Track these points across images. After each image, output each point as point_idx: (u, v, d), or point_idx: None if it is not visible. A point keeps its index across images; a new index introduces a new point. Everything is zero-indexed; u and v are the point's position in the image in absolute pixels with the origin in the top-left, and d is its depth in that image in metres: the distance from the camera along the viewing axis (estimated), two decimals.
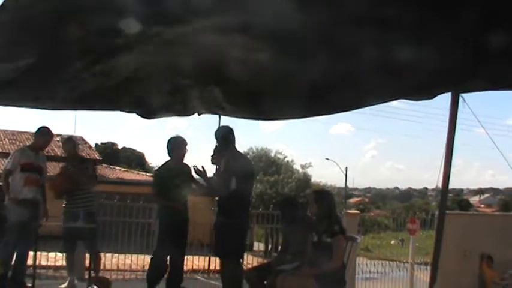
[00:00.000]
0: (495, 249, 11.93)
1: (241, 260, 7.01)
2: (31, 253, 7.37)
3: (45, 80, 4.53)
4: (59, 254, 9.91)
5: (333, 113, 6.24)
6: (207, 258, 12.69)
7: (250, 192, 7.09)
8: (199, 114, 6.45)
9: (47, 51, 3.95)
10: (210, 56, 4.48)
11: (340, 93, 5.07)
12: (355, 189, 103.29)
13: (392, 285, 12.40)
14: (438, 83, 4.76)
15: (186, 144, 7.18)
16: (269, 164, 37.65)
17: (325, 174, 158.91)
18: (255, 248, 21.61)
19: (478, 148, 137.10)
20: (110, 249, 11.70)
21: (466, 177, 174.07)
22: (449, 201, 8.34)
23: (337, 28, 3.72)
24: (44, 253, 10.40)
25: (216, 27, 3.85)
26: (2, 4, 3.25)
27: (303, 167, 40.47)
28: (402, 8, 3.40)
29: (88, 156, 25.50)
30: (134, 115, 6.34)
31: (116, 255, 12.02)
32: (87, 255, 8.15)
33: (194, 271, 12.08)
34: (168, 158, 7.15)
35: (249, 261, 11.64)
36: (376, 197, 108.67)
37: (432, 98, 4.97)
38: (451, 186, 5.47)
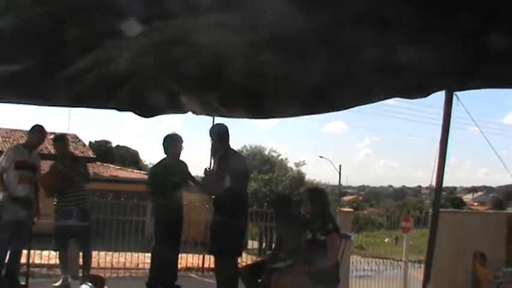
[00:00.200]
0: (488, 247, 11.98)
1: (238, 259, 6.99)
2: (25, 251, 7.35)
3: (43, 79, 4.53)
4: (53, 252, 9.87)
5: (331, 112, 6.25)
6: (201, 256, 12.70)
7: (246, 191, 7.09)
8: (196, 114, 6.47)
9: (45, 52, 3.95)
10: (210, 56, 4.48)
11: (340, 92, 5.08)
12: (349, 187, 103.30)
13: (386, 283, 12.42)
14: (438, 83, 4.79)
15: (182, 141, 7.16)
16: (263, 162, 37.66)
17: (319, 172, 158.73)
18: (249, 246, 21.61)
19: (472, 146, 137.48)
20: (104, 247, 11.70)
21: (460, 175, 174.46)
22: (442, 200, 8.35)
23: (338, 28, 3.73)
24: (38, 251, 10.39)
25: (217, 28, 3.85)
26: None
27: (297, 165, 40.55)
28: (402, 8, 3.40)
29: (82, 155, 25.41)
30: (128, 113, 6.35)
31: (110, 253, 12.02)
32: (81, 254, 8.11)
33: (188, 269, 12.09)
34: (164, 156, 7.13)
35: (243, 259, 11.64)
36: (370, 195, 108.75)
37: (426, 96, 4.98)
38: (444, 184, 5.49)
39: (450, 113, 5.17)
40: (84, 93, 5.04)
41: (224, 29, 3.86)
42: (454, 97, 5.11)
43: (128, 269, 11.81)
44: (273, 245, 8.24)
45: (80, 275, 7.76)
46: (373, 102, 5.68)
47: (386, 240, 28.67)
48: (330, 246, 5.80)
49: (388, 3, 3.41)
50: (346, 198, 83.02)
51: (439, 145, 5.23)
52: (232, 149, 6.83)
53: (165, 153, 7.07)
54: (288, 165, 39.73)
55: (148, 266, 7.72)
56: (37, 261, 10.56)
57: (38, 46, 3.85)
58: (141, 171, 33.41)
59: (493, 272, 12.19)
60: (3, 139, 26.93)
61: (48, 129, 7.94)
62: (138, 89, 5.34)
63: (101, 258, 11.58)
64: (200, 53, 4.45)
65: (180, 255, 7.60)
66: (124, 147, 66.63)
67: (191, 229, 9.81)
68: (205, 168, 6.74)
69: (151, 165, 11.94)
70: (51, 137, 8.90)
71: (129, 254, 12.13)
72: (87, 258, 7.99)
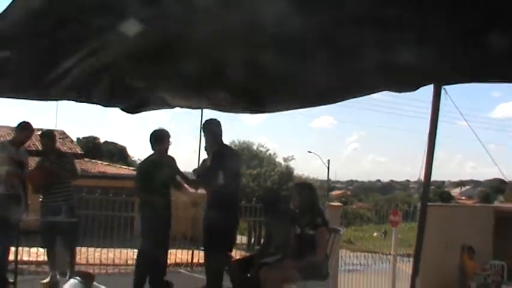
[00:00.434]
0: (476, 240, 12.10)
1: (229, 254, 6.98)
2: (13, 248, 7.30)
3: (36, 72, 4.51)
4: (41, 249, 9.83)
5: (324, 104, 6.26)
6: (190, 252, 12.69)
7: (239, 186, 7.09)
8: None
9: (37, 47, 3.94)
10: (210, 56, 4.47)
11: (337, 90, 5.09)
12: (338, 182, 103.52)
13: (374, 277, 12.47)
14: (434, 81, 4.80)
15: (169, 137, 7.12)
16: (251, 157, 37.77)
17: (307, 167, 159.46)
18: (238, 241, 21.56)
19: (460, 140, 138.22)
20: (92, 244, 11.66)
21: (448, 169, 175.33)
22: (431, 194, 8.39)
23: (337, 28, 3.72)
24: (26, 248, 10.34)
25: (217, 28, 3.84)
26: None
27: (285, 160, 40.74)
28: (402, 8, 3.40)
29: (70, 151, 25.30)
30: (116, 109, 6.31)
31: (99, 249, 11.99)
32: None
33: (177, 264, 12.05)
34: (152, 152, 7.10)
35: (232, 254, 11.65)
36: (359, 190, 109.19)
37: (415, 90, 4.99)
38: (432, 178, 5.50)
39: (438, 106, 5.17)
40: (73, 86, 5.00)
41: (224, 29, 3.85)
42: (443, 91, 5.11)
43: (117, 265, 11.77)
44: (262, 240, 8.23)
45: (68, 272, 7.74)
46: (363, 96, 5.68)
47: (375, 234, 28.76)
48: (319, 240, 5.82)
49: (388, 3, 3.41)
50: (335, 192, 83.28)
51: (427, 139, 5.25)
52: (226, 145, 6.84)
53: (153, 149, 7.02)
54: (277, 160, 39.98)
55: None
56: (25, 258, 10.50)
57: (34, 42, 3.84)
58: (129, 167, 33.25)
59: (480, 264, 12.33)
60: None
61: (35, 125, 7.90)
62: (119, 78, 5.27)
63: (90, 255, 11.55)
64: (200, 53, 4.44)
65: (169, 250, 7.57)
66: (112, 143, 66.28)
67: (180, 224, 9.81)
68: (202, 162, 6.75)
69: (139, 161, 11.88)
70: (39, 133, 8.85)
71: (118, 250, 12.10)
72: (72, 255, 7.97)
